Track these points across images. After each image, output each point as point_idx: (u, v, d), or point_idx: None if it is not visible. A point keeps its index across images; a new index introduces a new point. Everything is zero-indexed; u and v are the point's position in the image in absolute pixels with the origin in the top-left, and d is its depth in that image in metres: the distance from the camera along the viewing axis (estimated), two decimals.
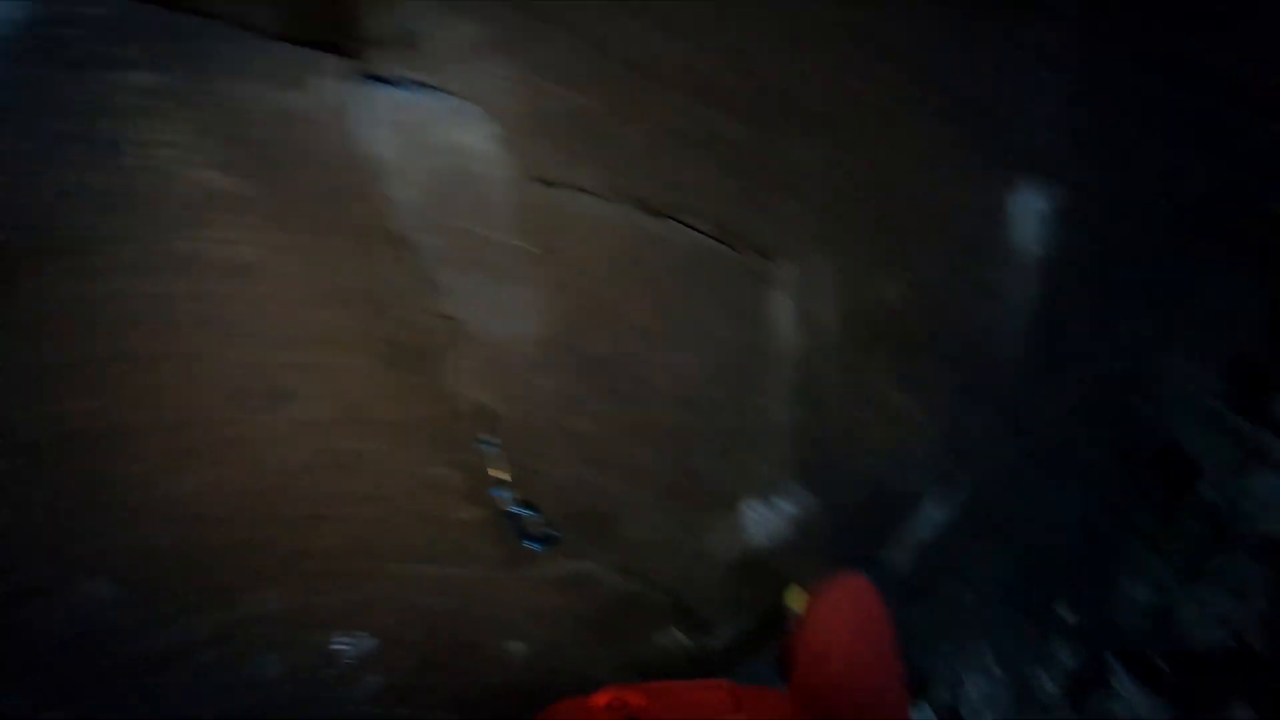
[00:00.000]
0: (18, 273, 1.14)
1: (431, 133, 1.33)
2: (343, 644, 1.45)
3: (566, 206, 1.42)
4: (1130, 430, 1.76)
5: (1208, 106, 1.64)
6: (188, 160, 1.18)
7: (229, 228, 1.21)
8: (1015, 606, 1.87)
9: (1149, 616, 1.72)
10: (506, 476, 1.45)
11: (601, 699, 0.91)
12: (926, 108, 1.61)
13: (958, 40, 1.61)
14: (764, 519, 1.66)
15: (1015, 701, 1.83)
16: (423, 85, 1.33)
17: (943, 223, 1.66)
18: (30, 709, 1.23)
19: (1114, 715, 1.71)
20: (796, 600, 1.48)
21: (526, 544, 1.49)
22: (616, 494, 1.56)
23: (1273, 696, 1.53)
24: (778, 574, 1.66)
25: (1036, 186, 1.69)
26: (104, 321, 1.19)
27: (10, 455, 1.17)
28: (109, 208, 1.17)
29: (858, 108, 1.56)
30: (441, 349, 1.36)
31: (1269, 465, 1.61)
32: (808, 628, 1.18)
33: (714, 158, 1.49)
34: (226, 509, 1.30)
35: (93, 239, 1.17)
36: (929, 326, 1.69)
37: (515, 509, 1.45)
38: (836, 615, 1.17)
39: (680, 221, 1.49)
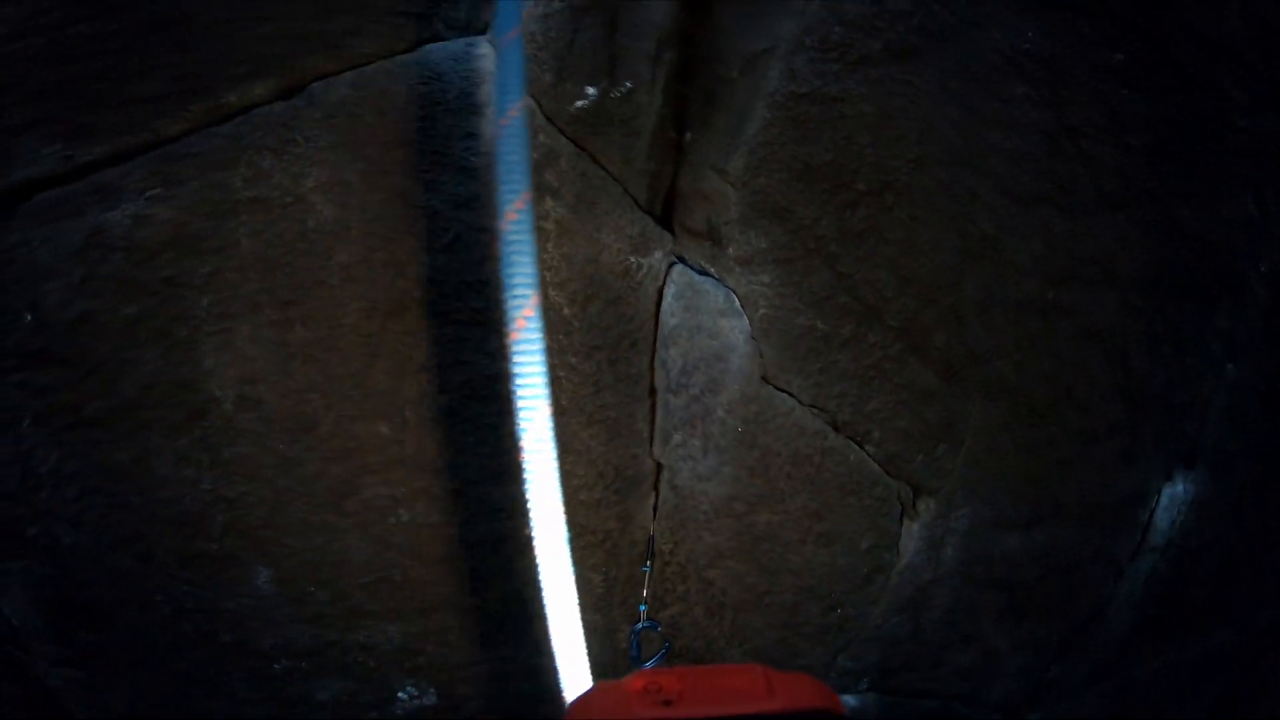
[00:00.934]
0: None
1: (704, 315, 1.61)
2: (406, 693, 1.59)
3: (775, 404, 1.68)
4: (1240, 703, 1.77)
5: None
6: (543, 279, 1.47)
7: (553, 340, 1.48)
8: None
9: None
10: (648, 597, 1.68)
11: (637, 683, 0.88)
12: (1106, 387, 1.72)
13: (1151, 324, 1.69)
14: None
15: None
16: (711, 276, 1.62)
17: (1088, 496, 1.79)
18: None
19: None
20: None
21: (635, 661, 1.69)
22: (716, 641, 1.78)
23: None
24: None
25: (1189, 475, 1.77)
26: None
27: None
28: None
29: (1040, 380, 1.74)
30: (648, 486, 1.62)
31: None
32: None
33: (902, 398, 1.74)
34: (423, 546, 1.54)
35: (464, 317, 1.46)
36: (1044, 582, 1.83)
37: (645, 624, 1.66)
38: None
39: (857, 442, 1.75)
